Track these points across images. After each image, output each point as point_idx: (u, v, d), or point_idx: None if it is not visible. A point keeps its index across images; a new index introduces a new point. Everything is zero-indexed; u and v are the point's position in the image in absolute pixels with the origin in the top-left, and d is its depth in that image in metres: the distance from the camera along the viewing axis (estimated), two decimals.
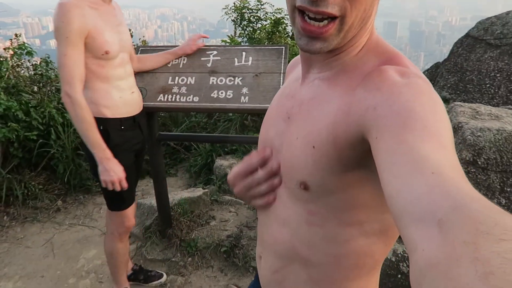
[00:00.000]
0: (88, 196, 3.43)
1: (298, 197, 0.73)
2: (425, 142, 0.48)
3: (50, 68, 4.26)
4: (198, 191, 3.12)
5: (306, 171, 0.69)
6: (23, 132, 3.20)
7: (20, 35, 4.09)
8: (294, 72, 0.87)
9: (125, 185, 1.79)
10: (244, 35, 3.78)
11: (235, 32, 4.17)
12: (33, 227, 3.00)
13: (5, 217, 3.06)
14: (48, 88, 3.99)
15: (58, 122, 3.41)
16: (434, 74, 4.36)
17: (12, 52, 3.87)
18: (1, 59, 3.61)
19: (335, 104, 0.66)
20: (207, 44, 2.41)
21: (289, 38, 3.63)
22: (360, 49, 0.69)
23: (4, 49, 4.12)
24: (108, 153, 1.74)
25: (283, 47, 2.27)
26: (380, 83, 0.59)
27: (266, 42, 3.51)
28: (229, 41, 3.98)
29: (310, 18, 0.62)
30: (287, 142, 0.75)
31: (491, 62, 3.37)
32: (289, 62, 1.07)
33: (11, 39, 4.00)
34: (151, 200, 2.90)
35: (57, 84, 4.04)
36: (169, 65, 2.29)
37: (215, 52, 2.30)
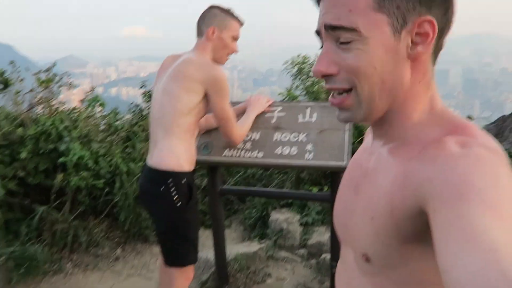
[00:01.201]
0: (145, 245, 3.48)
1: (363, 269, 0.73)
2: (484, 216, 0.47)
3: (117, 119, 4.57)
4: (254, 246, 3.07)
5: (366, 243, 0.69)
6: (92, 180, 3.37)
7: (94, 88, 4.46)
8: (366, 140, 0.88)
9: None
10: (303, 88, 3.85)
11: (292, 85, 4.26)
12: (93, 275, 3.07)
13: (68, 264, 3.16)
14: (115, 137, 4.24)
15: (123, 171, 3.56)
16: (500, 127, 4.12)
17: (87, 104, 4.21)
18: (79, 111, 3.92)
19: (392, 175, 0.65)
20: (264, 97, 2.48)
21: None
22: (417, 120, 0.68)
23: (80, 101, 4.50)
24: (248, 112, 2.22)
25: None
26: (435, 154, 0.58)
27: (324, 95, 3.54)
28: (286, 94, 4.06)
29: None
30: (353, 212, 0.76)
31: None
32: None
33: (87, 92, 4.37)
34: (207, 254, 2.87)
35: (122, 133, 4.29)
36: None
37: (279, 108, 2.34)
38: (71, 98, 4.67)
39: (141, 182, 1.98)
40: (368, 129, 0.96)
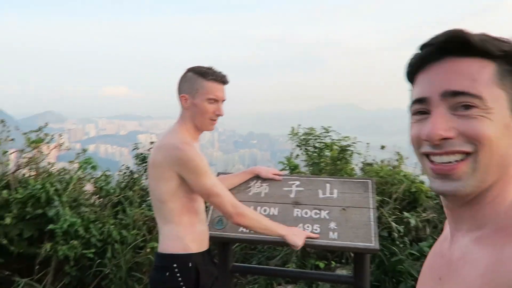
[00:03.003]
0: None
1: None
2: None
3: (109, 182, 4.36)
4: None
5: None
6: (81, 249, 3.11)
7: (86, 150, 4.30)
8: (446, 229, 0.82)
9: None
10: (308, 160, 3.81)
11: (291, 154, 4.22)
12: None
13: None
14: (106, 201, 4.01)
15: (116, 239, 3.31)
16: None
17: (78, 166, 4.01)
18: (70, 174, 3.72)
19: (482, 267, 0.61)
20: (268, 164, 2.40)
21: (354, 166, 3.64)
22: (509, 204, 0.65)
23: (69, 162, 4.31)
24: (285, 227, 1.90)
25: (369, 181, 2.20)
26: None
27: (330, 167, 3.50)
28: (286, 162, 4.00)
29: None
30: None
31: None
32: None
33: (78, 153, 4.20)
34: None
35: (114, 198, 4.06)
36: (250, 194, 2.24)
37: (297, 183, 2.26)
38: (48, 154, 4.40)
39: (150, 272, 1.83)
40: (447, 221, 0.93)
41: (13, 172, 3.58)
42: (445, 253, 0.75)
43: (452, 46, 0.65)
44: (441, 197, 0.72)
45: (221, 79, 1.78)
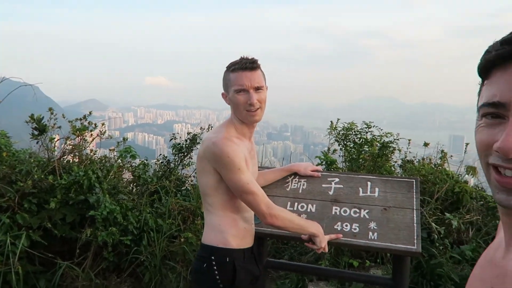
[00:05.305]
0: None
1: None
2: None
3: (146, 171, 4.45)
4: None
5: None
6: (119, 236, 3.19)
7: (127, 139, 4.41)
8: (499, 235, 0.79)
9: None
10: (346, 156, 3.71)
11: (328, 149, 4.13)
12: None
13: None
14: (143, 189, 4.10)
15: (152, 227, 3.38)
16: None
17: (118, 155, 4.12)
18: (111, 162, 3.82)
19: None
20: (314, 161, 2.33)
21: (396, 166, 3.51)
22: None
23: (110, 150, 4.44)
24: (318, 225, 1.84)
25: (414, 180, 2.10)
26: None
27: (369, 164, 3.39)
28: (323, 157, 3.92)
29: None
30: None
31: None
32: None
33: (119, 142, 4.31)
34: None
35: (152, 186, 4.15)
36: (287, 189, 2.20)
37: (337, 180, 2.19)
38: (91, 142, 4.51)
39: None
40: (500, 224, 0.88)
41: (59, 158, 3.72)
42: (498, 262, 0.70)
43: None
44: (499, 207, 0.67)
45: (244, 66, 1.65)
